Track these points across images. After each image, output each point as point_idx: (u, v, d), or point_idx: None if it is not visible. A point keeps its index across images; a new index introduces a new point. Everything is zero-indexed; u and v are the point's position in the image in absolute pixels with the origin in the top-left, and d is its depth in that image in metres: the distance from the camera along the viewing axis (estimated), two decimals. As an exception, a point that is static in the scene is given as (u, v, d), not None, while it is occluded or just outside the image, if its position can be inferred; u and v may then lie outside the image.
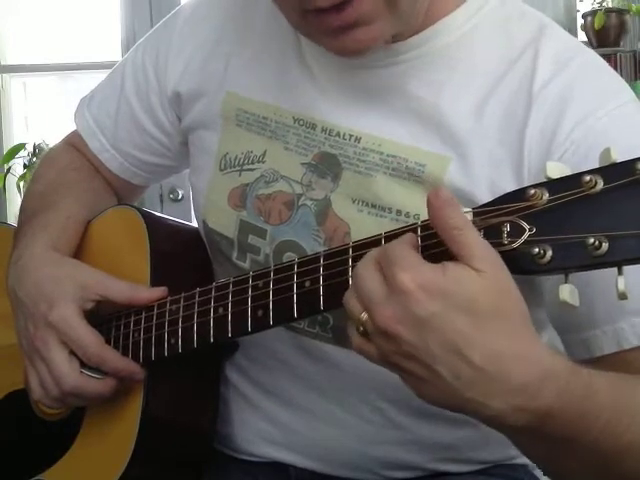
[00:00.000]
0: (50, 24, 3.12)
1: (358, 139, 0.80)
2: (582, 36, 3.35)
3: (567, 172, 0.55)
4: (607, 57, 3.29)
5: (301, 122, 0.84)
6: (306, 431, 0.91)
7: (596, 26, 3.17)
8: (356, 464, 0.91)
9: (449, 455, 0.91)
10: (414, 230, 0.61)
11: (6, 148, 2.95)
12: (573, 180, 0.54)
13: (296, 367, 0.89)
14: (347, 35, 0.71)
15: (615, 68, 3.26)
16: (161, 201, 2.93)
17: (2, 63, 3.09)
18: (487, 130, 0.76)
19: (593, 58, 0.80)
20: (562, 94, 0.74)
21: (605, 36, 3.22)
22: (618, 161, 0.53)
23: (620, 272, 0.53)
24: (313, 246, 0.82)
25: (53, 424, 0.95)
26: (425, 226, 0.61)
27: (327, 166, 0.82)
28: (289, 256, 0.84)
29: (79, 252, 0.96)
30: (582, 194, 0.53)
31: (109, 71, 1.07)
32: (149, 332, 0.83)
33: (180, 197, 2.87)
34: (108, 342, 0.86)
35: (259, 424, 0.93)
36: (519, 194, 0.56)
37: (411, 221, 0.77)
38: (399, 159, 0.79)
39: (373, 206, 0.80)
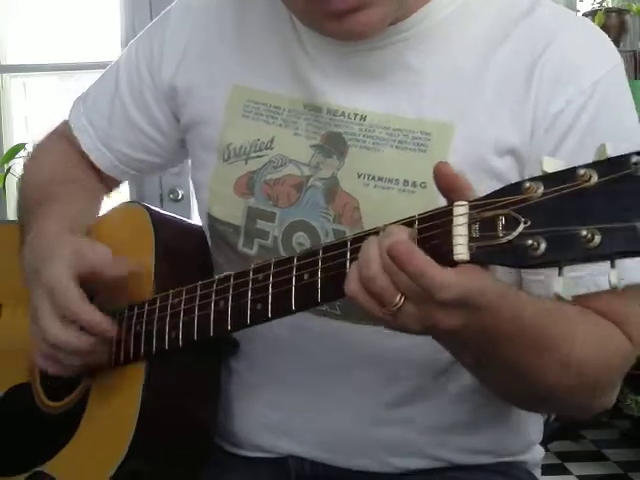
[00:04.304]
0: (50, 24, 3.12)
1: (363, 117, 0.84)
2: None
3: (562, 167, 0.56)
4: (607, 57, 3.29)
5: (309, 107, 0.86)
6: (307, 413, 0.91)
7: (596, 26, 3.17)
8: (356, 446, 0.91)
9: (447, 439, 0.91)
10: (411, 223, 0.62)
11: (6, 148, 2.96)
12: (568, 174, 0.55)
13: (298, 347, 0.89)
14: (351, 18, 0.75)
15: (615, 68, 3.27)
16: (161, 201, 2.93)
17: (2, 63, 3.09)
18: (487, 93, 0.80)
19: (587, 23, 0.88)
20: (561, 64, 0.80)
21: (605, 36, 3.23)
22: (613, 156, 0.54)
23: (612, 265, 0.53)
24: (323, 224, 0.85)
25: (54, 417, 0.95)
26: (422, 219, 0.62)
27: (333, 145, 0.85)
28: (299, 236, 0.86)
29: None
30: (576, 187, 0.54)
31: (109, 71, 1.08)
32: (151, 325, 0.84)
33: (180, 197, 2.87)
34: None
35: (259, 409, 0.93)
36: (514, 188, 0.57)
37: (418, 190, 0.80)
38: (405, 131, 0.82)
39: (380, 179, 0.82)
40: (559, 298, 0.55)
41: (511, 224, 0.56)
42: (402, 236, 0.60)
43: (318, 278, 0.68)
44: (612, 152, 0.54)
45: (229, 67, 0.92)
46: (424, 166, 0.80)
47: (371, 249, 0.61)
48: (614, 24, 3.22)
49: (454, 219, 0.59)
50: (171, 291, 0.83)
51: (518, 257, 0.56)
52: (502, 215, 0.57)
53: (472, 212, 0.58)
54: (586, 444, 2.98)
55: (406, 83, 0.83)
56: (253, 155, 0.88)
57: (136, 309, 0.87)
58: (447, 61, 0.82)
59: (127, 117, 1.01)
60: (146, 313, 0.85)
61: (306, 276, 0.69)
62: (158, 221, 0.92)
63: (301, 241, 0.86)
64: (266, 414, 0.93)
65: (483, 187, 0.75)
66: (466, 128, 0.80)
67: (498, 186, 0.78)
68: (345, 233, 0.84)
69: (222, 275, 0.79)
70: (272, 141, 0.88)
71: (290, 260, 0.71)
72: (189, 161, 1.02)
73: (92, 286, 0.93)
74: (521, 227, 0.56)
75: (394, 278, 0.60)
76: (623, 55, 3.38)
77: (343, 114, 0.84)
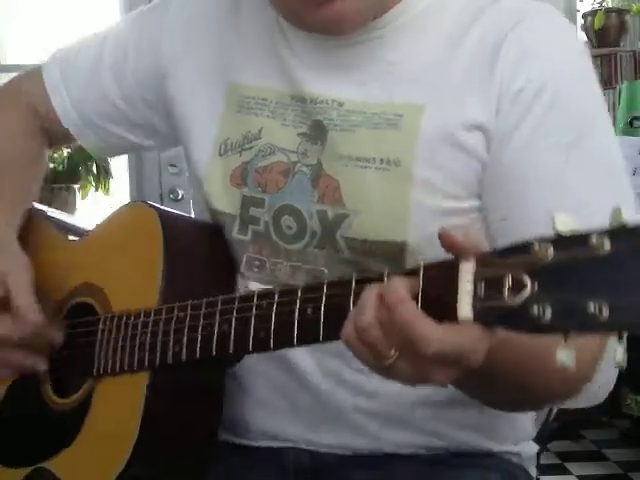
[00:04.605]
0: (50, 24, 3.13)
1: (341, 104, 0.88)
2: (582, 36, 3.36)
3: (576, 226, 0.54)
4: (607, 57, 3.30)
5: (296, 99, 0.90)
6: (300, 391, 0.92)
7: (596, 26, 3.17)
8: (351, 421, 0.91)
9: (438, 412, 0.92)
10: (416, 272, 0.61)
11: (6, 148, 2.95)
12: (579, 239, 0.53)
13: None
14: (326, 8, 0.80)
15: (615, 68, 3.27)
16: (161, 201, 2.93)
17: (2, 63, 3.10)
18: (456, 77, 0.84)
19: (552, 10, 0.90)
20: (523, 45, 0.83)
21: (605, 36, 3.23)
22: (628, 223, 0.52)
23: (620, 340, 0.52)
24: (308, 206, 0.88)
25: (59, 414, 0.95)
26: (428, 269, 0.61)
27: (317, 132, 0.89)
28: (286, 219, 0.89)
29: (90, 247, 0.98)
30: (587, 254, 0.52)
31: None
32: (155, 337, 0.84)
33: (180, 197, 2.87)
34: (116, 340, 0.88)
35: (260, 391, 0.94)
36: (524, 247, 0.55)
37: (392, 168, 0.84)
38: (379, 114, 0.86)
39: (357, 159, 0.86)
40: (564, 367, 0.54)
41: (517, 286, 0.54)
42: (399, 286, 0.60)
43: (321, 315, 0.68)
44: (627, 217, 0.52)
45: (225, 65, 0.96)
46: (397, 144, 0.84)
47: (369, 298, 0.61)
48: (614, 24, 3.22)
49: (460, 275, 0.58)
50: (177, 304, 0.83)
51: (522, 321, 0.54)
52: (509, 275, 0.55)
53: (479, 268, 0.57)
54: (586, 444, 2.98)
55: (381, 74, 0.87)
56: (246, 147, 0.92)
57: (142, 317, 0.86)
58: (419, 53, 0.87)
59: (103, 88, 1.04)
60: (151, 323, 0.85)
61: (309, 311, 0.69)
62: (168, 222, 0.91)
63: (289, 224, 0.89)
64: (265, 395, 0.94)
65: (454, 161, 0.83)
66: (436, 107, 0.84)
67: (468, 159, 0.84)
68: (327, 212, 0.87)
69: (228, 296, 0.80)
70: (260, 131, 0.91)
71: (295, 291, 0.71)
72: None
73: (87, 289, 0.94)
74: (528, 291, 0.54)
75: (387, 331, 0.60)
76: (623, 55, 3.41)
77: (322, 101, 0.88)
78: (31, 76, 1.11)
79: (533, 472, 1.01)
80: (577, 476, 2.73)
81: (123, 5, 3.00)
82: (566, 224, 0.54)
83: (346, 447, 0.93)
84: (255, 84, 0.93)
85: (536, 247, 0.54)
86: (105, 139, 1.08)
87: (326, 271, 0.88)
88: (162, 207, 0.94)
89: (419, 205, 0.84)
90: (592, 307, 0.51)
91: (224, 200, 0.93)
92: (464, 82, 0.84)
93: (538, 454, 1.04)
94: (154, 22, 1.02)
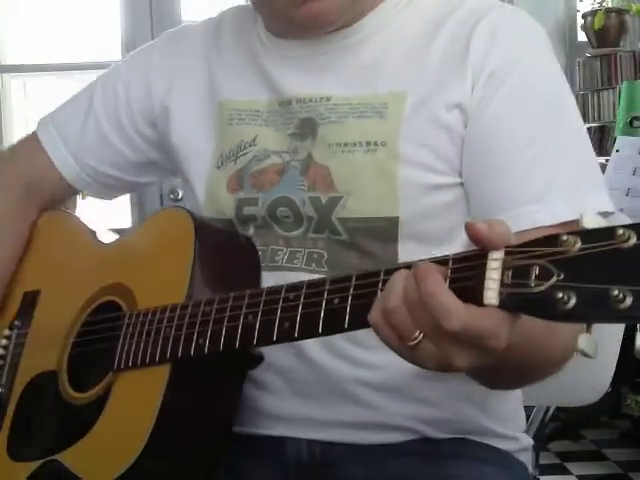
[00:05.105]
0: (50, 24, 3.13)
1: (328, 99, 0.94)
2: (582, 36, 3.36)
3: (602, 224, 0.56)
4: (607, 57, 3.30)
5: (283, 104, 0.96)
6: (303, 365, 0.93)
7: (596, 26, 3.18)
8: (342, 390, 0.92)
9: (434, 382, 0.92)
10: (445, 262, 0.63)
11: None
12: (606, 232, 0.54)
13: None
14: (309, 5, 0.88)
15: (615, 68, 3.27)
16: (161, 201, 2.94)
17: (2, 63, 3.10)
18: (432, 67, 0.91)
19: (513, 6, 0.99)
20: (491, 32, 0.91)
21: (605, 36, 3.23)
22: None
23: None
24: (299, 195, 0.92)
25: (76, 408, 0.95)
26: (456, 259, 0.63)
27: (306, 129, 0.94)
28: (282, 210, 0.93)
29: (122, 249, 1.01)
30: (613, 246, 0.53)
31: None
32: (180, 330, 0.85)
33: (180, 197, 2.88)
34: (140, 333, 0.89)
35: (257, 370, 0.94)
36: (552, 239, 0.57)
37: (379, 149, 0.89)
38: (365, 104, 0.92)
39: (345, 145, 0.91)
40: (584, 355, 0.55)
41: (544, 275, 0.56)
42: (429, 263, 0.62)
43: (348, 305, 0.69)
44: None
45: (214, 87, 1.02)
46: (383, 128, 0.90)
47: (396, 282, 0.63)
48: (614, 24, 3.23)
49: (488, 263, 0.60)
50: (204, 299, 0.84)
51: (547, 308, 0.56)
52: (536, 265, 0.57)
53: (507, 258, 0.59)
54: (586, 444, 2.98)
55: (362, 72, 0.94)
56: (240, 154, 0.97)
57: (168, 312, 0.87)
58: (397, 47, 0.93)
59: (101, 132, 1.08)
60: (177, 317, 0.86)
61: (336, 301, 0.70)
62: (201, 228, 0.93)
63: (285, 214, 0.93)
64: (268, 379, 0.94)
65: (437, 139, 0.88)
66: (416, 94, 0.90)
67: (450, 137, 0.89)
68: (320, 199, 0.91)
69: (254, 290, 0.81)
70: (255, 139, 0.97)
71: (323, 283, 0.72)
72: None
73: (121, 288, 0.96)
74: (554, 279, 0.55)
75: (413, 313, 0.62)
76: (623, 55, 3.40)
77: (311, 100, 0.94)
78: (24, 141, 1.15)
79: (530, 468, 1.02)
80: (577, 476, 2.73)
81: (124, 5, 3.01)
82: (593, 223, 0.56)
83: (348, 422, 0.93)
84: (245, 98, 0.99)
85: (564, 238, 0.56)
86: (106, 183, 1.12)
87: (325, 254, 0.92)
88: (196, 213, 0.96)
89: (407, 181, 0.88)
90: (615, 293, 0.52)
91: (219, 207, 0.97)
92: (441, 71, 0.90)
93: (537, 454, 1.04)
94: (142, 61, 1.08)
